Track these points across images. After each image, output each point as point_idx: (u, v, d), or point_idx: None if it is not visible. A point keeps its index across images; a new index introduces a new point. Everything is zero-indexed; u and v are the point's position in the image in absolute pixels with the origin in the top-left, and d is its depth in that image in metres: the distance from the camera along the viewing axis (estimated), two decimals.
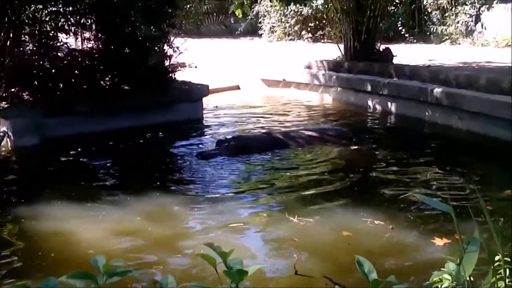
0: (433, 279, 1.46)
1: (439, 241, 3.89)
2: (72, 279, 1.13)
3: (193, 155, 6.23)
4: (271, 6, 18.33)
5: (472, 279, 1.23)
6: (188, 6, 10.25)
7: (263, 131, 7.44)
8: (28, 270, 3.63)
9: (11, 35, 6.99)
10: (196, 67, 8.43)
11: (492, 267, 1.23)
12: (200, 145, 6.87)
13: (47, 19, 7.39)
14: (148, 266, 3.65)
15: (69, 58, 7.48)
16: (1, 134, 6.58)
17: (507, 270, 1.32)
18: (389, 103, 8.95)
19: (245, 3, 10.79)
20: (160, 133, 7.48)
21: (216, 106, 9.50)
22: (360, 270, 1.22)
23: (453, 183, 5.28)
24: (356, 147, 6.74)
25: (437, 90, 7.93)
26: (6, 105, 6.81)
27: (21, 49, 7.20)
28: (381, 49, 10.47)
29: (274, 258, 3.83)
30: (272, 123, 8.38)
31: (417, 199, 4.72)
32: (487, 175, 5.57)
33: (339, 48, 10.76)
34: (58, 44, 7.44)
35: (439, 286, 1.43)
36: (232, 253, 1.23)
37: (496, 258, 1.38)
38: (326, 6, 11.34)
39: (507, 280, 1.28)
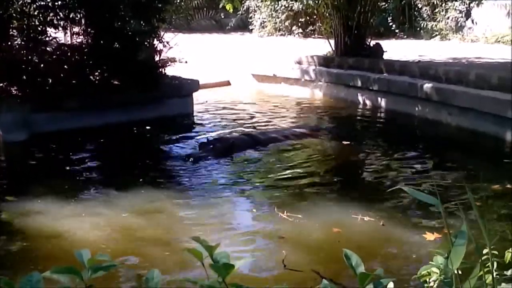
0: (421, 272, 1.46)
1: (430, 236, 3.90)
2: (56, 274, 1.12)
3: (181, 157, 6.06)
4: (261, 1, 18.24)
5: (460, 272, 1.23)
6: (178, 0, 10.19)
7: (247, 130, 7.41)
8: (13, 265, 3.60)
9: None
10: (186, 62, 8.39)
11: (480, 260, 1.23)
12: (185, 148, 6.75)
13: (35, 13, 7.29)
14: (134, 261, 3.63)
15: (58, 53, 7.41)
16: None
17: (495, 264, 1.32)
18: (379, 99, 8.97)
19: None
20: (150, 129, 7.44)
21: (206, 101, 9.47)
22: (347, 264, 1.21)
23: (442, 178, 5.30)
24: (346, 142, 6.75)
25: (427, 86, 7.95)
26: None
27: (9, 43, 7.12)
28: (371, 45, 10.47)
29: (262, 254, 3.81)
30: (262, 118, 8.37)
31: (407, 195, 4.73)
32: (475, 170, 5.60)
33: (330, 43, 10.75)
34: (47, 38, 7.36)
35: (427, 279, 1.43)
36: (219, 248, 1.22)
37: (484, 251, 1.39)
38: (317, 2, 11.31)
39: (494, 273, 1.28)
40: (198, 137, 7.09)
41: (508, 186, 5.01)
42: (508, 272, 1.45)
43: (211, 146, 6.07)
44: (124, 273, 3.37)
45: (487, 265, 1.29)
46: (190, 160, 5.86)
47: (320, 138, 6.90)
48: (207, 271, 1.24)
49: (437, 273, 1.38)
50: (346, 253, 1.23)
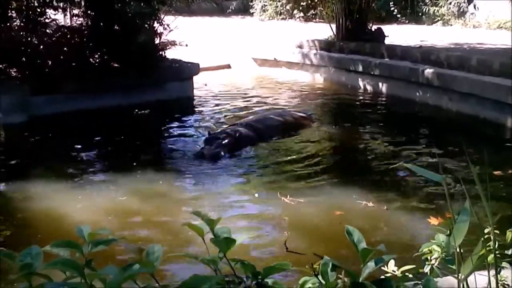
0: (422, 250, 1.45)
1: (434, 221, 3.88)
2: (56, 248, 1.12)
3: (195, 156, 5.57)
4: None
5: (462, 251, 1.23)
6: None
7: (247, 113, 7.34)
8: (11, 246, 3.60)
9: None
10: (186, 45, 8.33)
11: (482, 239, 1.22)
12: (184, 131, 6.69)
13: None
14: (135, 240, 3.64)
15: (57, 35, 7.36)
16: None
17: (496, 243, 1.32)
18: (380, 83, 8.93)
19: None
20: (150, 112, 7.40)
21: (206, 84, 9.44)
22: (349, 240, 1.21)
23: (444, 163, 5.29)
24: (348, 127, 6.73)
25: (428, 71, 7.92)
26: None
27: (8, 24, 7.07)
28: (373, 29, 10.41)
29: (264, 236, 3.81)
30: (262, 102, 8.34)
31: (411, 180, 4.72)
32: (476, 155, 5.59)
33: (331, 27, 10.68)
34: (46, 20, 7.31)
35: (429, 257, 1.43)
36: (220, 222, 1.21)
37: (486, 230, 1.38)
38: None
39: (496, 253, 1.28)
40: (198, 124, 7.06)
41: (510, 171, 5.01)
42: (509, 252, 1.44)
43: (221, 141, 5.69)
44: (124, 250, 3.38)
45: (489, 244, 1.29)
46: (207, 157, 5.47)
47: (320, 123, 6.86)
48: (208, 248, 1.23)
49: (438, 250, 1.38)
50: (348, 229, 1.23)
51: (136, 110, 7.34)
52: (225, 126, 6.70)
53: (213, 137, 5.81)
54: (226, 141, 5.68)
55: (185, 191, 4.72)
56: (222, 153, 5.54)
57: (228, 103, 8.28)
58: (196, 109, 7.99)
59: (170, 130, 6.77)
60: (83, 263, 1.09)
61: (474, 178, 1.13)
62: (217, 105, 8.20)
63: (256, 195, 4.57)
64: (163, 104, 7.69)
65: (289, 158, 5.59)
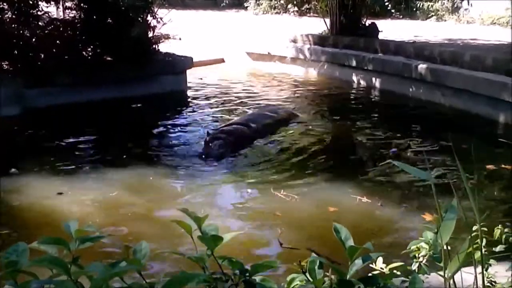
0: (410, 247, 1.46)
1: (428, 217, 3.89)
2: (44, 245, 1.11)
3: (200, 157, 5.40)
4: None
5: (449, 248, 1.23)
6: None
7: (241, 109, 7.33)
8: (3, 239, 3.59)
9: None
10: (180, 39, 8.31)
11: (469, 236, 1.23)
12: (177, 125, 6.68)
13: None
14: (124, 235, 3.64)
15: (50, 27, 7.31)
16: None
17: (484, 240, 1.32)
18: (373, 78, 8.94)
19: None
20: (142, 105, 7.39)
21: (201, 78, 9.42)
22: (337, 237, 1.21)
23: (436, 158, 5.31)
24: (341, 123, 6.73)
25: (422, 66, 7.93)
26: None
27: (0, 17, 7.01)
28: (367, 24, 10.41)
29: (257, 232, 3.81)
30: (255, 97, 8.33)
31: (406, 176, 4.73)
32: (468, 150, 5.60)
33: (325, 22, 10.67)
34: (39, 13, 7.26)
35: (417, 255, 1.43)
36: (209, 220, 1.20)
37: (474, 228, 1.39)
38: None
39: (483, 250, 1.28)
40: (191, 118, 7.04)
41: (503, 166, 5.04)
42: (497, 249, 1.45)
43: (223, 141, 5.51)
44: (111, 246, 3.38)
45: (476, 241, 1.29)
46: (212, 158, 5.31)
47: (313, 118, 6.85)
48: (196, 245, 1.23)
49: (426, 248, 1.39)
50: (335, 226, 1.23)
51: (129, 103, 7.33)
52: (219, 122, 6.69)
53: (214, 137, 5.64)
54: (228, 140, 5.55)
55: (176, 186, 4.70)
56: (227, 154, 5.43)
57: (222, 97, 8.26)
58: (189, 102, 7.97)
59: (163, 124, 6.74)
60: (71, 260, 1.09)
61: (461, 173, 1.13)
62: (210, 99, 8.18)
63: (249, 191, 4.55)
64: (157, 97, 7.68)
65: (282, 153, 5.58)
